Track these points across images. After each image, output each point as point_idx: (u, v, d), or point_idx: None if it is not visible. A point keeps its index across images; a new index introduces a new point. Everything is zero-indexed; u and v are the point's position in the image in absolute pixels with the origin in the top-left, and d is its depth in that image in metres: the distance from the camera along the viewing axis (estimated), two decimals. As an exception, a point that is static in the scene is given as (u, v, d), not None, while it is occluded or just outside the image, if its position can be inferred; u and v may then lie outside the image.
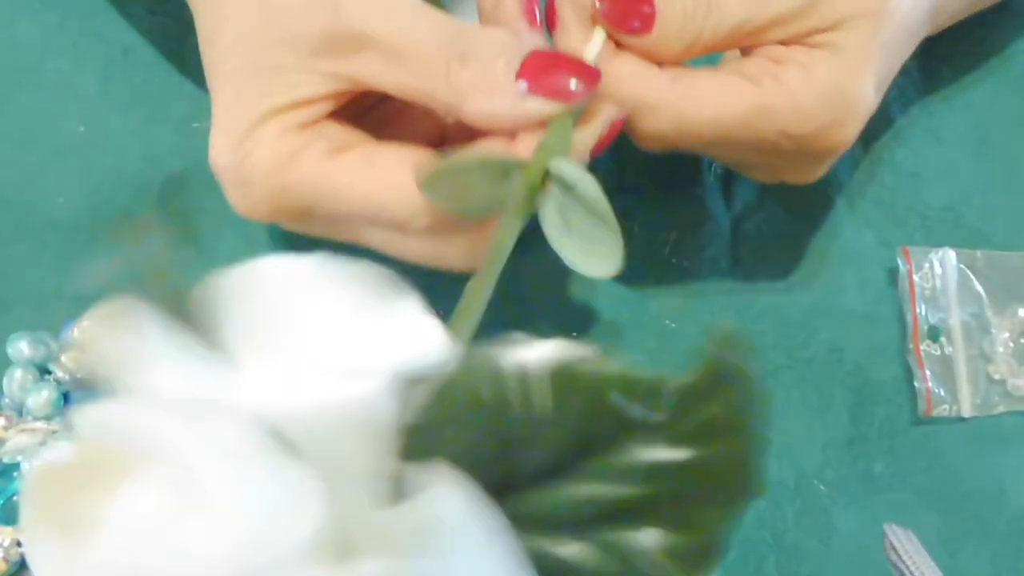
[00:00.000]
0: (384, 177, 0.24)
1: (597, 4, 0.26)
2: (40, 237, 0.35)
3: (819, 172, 0.31)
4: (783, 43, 0.27)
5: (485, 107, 0.24)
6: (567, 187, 0.24)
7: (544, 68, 0.24)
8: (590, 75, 0.24)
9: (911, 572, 0.24)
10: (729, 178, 0.36)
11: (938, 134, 0.37)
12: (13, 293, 0.35)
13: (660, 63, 0.27)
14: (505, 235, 0.24)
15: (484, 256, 0.25)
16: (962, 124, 0.37)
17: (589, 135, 0.25)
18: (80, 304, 0.34)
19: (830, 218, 0.35)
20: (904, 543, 0.24)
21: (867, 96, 0.28)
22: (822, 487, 0.32)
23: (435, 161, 0.24)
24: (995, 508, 0.32)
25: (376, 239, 0.27)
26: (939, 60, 0.38)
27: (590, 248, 0.25)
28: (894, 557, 0.24)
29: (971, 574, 0.31)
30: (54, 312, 0.34)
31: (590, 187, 0.23)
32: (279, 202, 0.25)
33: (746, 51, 0.29)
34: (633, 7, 0.26)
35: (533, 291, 0.34)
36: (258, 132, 0.24)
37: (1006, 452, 0.33)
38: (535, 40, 0.25)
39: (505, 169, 0.23)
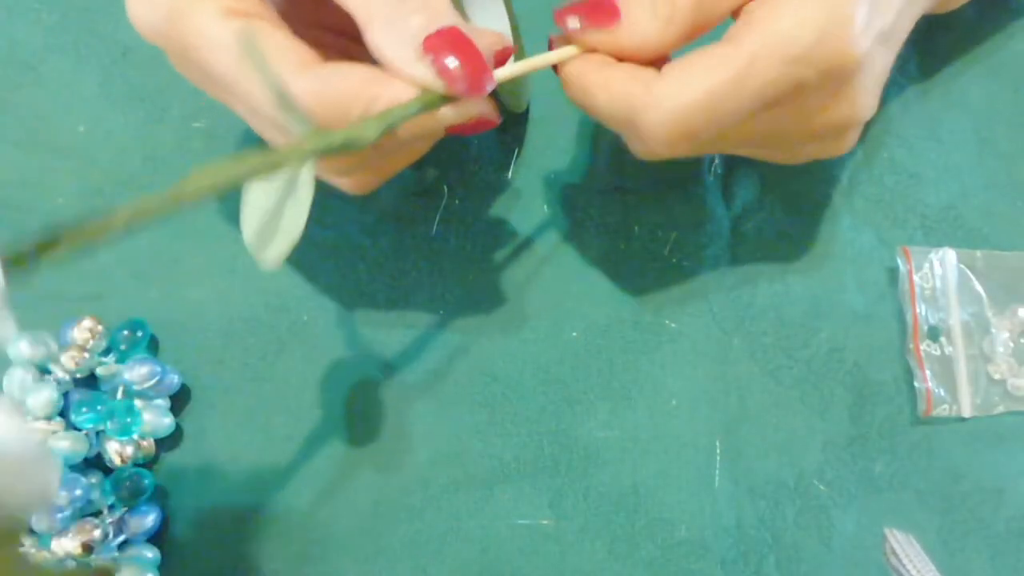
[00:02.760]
0: (264, 53, 0.24)
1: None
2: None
3: (850, 135, 0.29)
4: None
5: (381, 43, 0.24)
6: (292, 180, 0.23)
7: (447, 46, 0.24)
8: (480, 73, 0.24)
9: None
10: (729, 178, 0.36)
11: (938, 134, 0.37)
12: (13, 293, 0.34)
13: (653, 56, 0.26)
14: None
15: (331, 170, 0.26)
16: (962, 124, 0.37)
17: (456, 117, 0.25)
18: (80, 304, 0.34)
19: (830, 218, 0.35)
20: (904, 546, 0.24)
21: (853, 49, 0.25)
22: (822, 487, 0.32)
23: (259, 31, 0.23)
24: (995, 508, 0.32)
25: (240, 111, 0.27)
26: (939, 60, 0.38)
27: (266, 232, 0.24)
28: (895, 561, 0.24)
29: (971, 574, 0.31)
30: (54, 312, 0.34)
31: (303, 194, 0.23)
32: (164, 29, 0.25)
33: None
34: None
35: (532, 291, 0.34)
36: None
37: (1006, 452, 0.33)
38: (459, 21, 0.25)
39: (269, 166, 0.23)
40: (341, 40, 0.28)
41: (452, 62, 0.24)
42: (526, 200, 0.36)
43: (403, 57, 0.24)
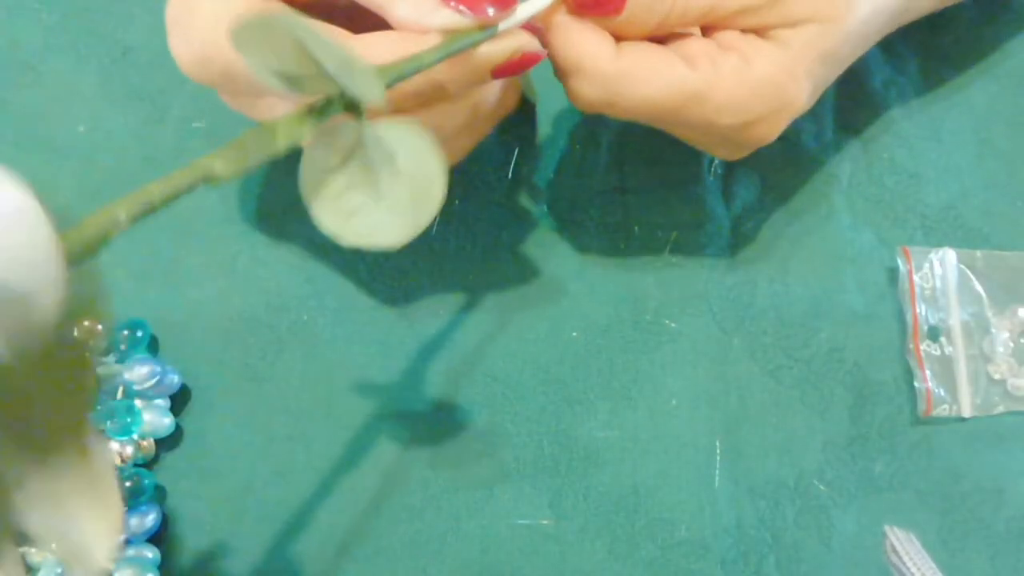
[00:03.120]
0: None
1: None
2: (40, 237, 0.35)
3: (743, 155, 0.32)
4: (742, 31, 0.28)
5: (404, 13, 0.24)
6: (378, 142, 0.22)
7: None
8: (503, 1, 0.24)
9: (912, 574, 0.24)
10: (729, 178, 0.36)
11: (938, 134, 0.37)
12: (13, 293, 0.34)
13: (619, 38, 0.28)
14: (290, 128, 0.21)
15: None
16: (962, 124, 0.37)
17: (496, 52, 0.25)
18: (80, 304, 0.34)
19: (830, 218, 0.36)
20: (905, 545, 0.24)
21: (799, 97, 0.29)
22: (822, 487, 0.32)
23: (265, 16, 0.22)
24: (995, 508, 0.32)
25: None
26: (939, 60, 0.38)
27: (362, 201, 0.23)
28: (895, 559, 0.24)
29: (971, 574, 0.31)
30: (54, 312, 0.34)
31: (411, 149, 0.22)
32: (207, 55, 0.26)
33: (706, 30, 0.29)
34: None
35: (532, 291, 0.34)
36: None
37: (1006, 452, 0.33)
38: None
39: (321, 81, 0.21)
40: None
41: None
42: (526, 200, 0.36)
43: (425, 9, 0.24)
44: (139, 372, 0.32)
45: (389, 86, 0.22)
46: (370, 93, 0.21)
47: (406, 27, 0.25)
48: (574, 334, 0.34)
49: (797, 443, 0.33)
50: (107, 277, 0.35)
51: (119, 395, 0.32)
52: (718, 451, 0.33)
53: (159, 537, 0.32)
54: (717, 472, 0.32)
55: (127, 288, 0.34)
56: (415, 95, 0.26)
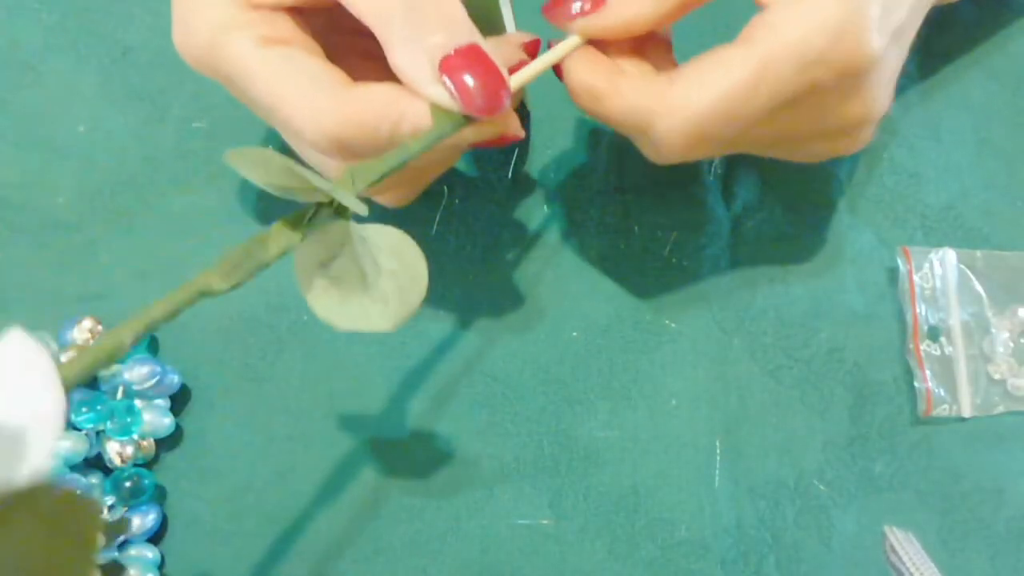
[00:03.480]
0: (296, 82, 0.25)
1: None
2: (40, 237, 0.35)
3: (864, 133, 0.29)
4: None
5: (401, 64, 0.24)
6: (364, 243, 0.24)
7: (463, 66, 0.24)
8: (497, 90, 0.24)
9: (911, 574, 0.24)
10: (729, 178, 0.36)
11: (938, 134, 0.37)
12: (13, 293, 0.35)
13: (649, 37, 0.27)
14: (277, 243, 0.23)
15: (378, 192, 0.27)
16: (962, 123, 0.37)
17: (477, 135, 0.25)
18: (80, 304, 0.34)
19: (830, 218, 0.36)
20: (904, 545, 0.24)
21: (875, 44, 0.25)
22: (822, 487, 0.32)
23: (251, 152, 0.23)
24: (995, 508, 0.32)
25: (283, 134, 0.27)
26: (939, 60, 0.38)
27: (345, 295, 0.24)
28: (894, 559, 0.24)
29: (971, 574, 0.31)
30: (54, 312, 0.34)
31: (387, 242, 0.23)
32: (205, 58, 0.26)
33: None
34: None
35: (532, 291, 0.34)
36: None
37: (1006, 452, 0.33)
38: (477, 37, 0.25)
39: (311, 191, 0.23)
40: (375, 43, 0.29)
41: (469, 81, 0.24)
42: (526, 200, 0.36)
43: (422, 77, 0.24)
44: (139, 372, 0.32)
45: (378, 181, 0.23)
46: (354, 206, 0.22)
47: (402, 78, 0.24)
48: (574, 334, 0.34)
49: (797, 443, 0.33)
50: (107, 277, 0.35)
51: (119, 395, 0.32)
52: (718, 451, 0.33)
53: (159, 537, 0.32)
54: (717, 472, 0.32)
55: (127, 288, 0.34)
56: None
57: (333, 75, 0.25)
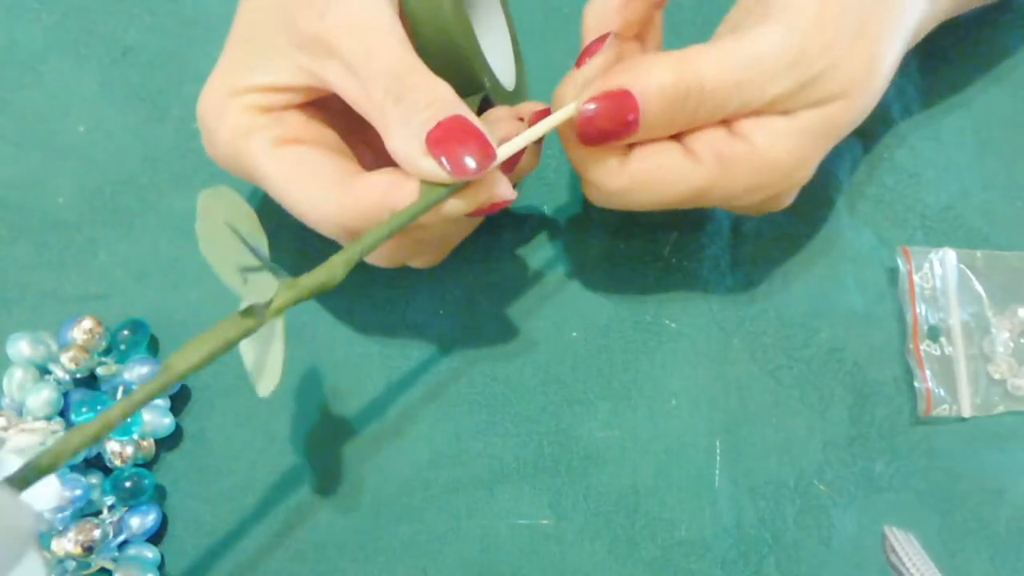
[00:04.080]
0: (304, 181, 0.27)
1: (577, 121, 0.27)
2: (40, 237, 0.35)
3: (788, 200, 0.32)
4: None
5: (395, 147, 0.26)
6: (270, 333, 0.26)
7: (448, 136, 0.25)
8: (483, 157, 0.25)
9: (911, 574, 0.24)
10: (729, 178, 0.36)
11: (938, 134, 0.37)
12: (13, 293, 0.35)
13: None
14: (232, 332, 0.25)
15: (398, 261, 0.29)
16: (962, 124, 0.37)
17: (468, 204, 0.26)
18: (80, 304, 0.34)
19: (830, 218, 0.36)
20: (904, 545, 0.24)
21: (808, 174, 0.29)
22: (822, 487, 0.32)
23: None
24: (995, 508, 0.32)
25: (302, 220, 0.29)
26: (939, 60, 0.38)
27: (259, 367, 0.27)
28: (894, 559, 0.24)
29: (971, 574, 0.31)
30: (54, 312, 0.34)
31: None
32: (231, 163, 0.29)
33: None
34: (615, 123, 0.27)
35: (532, 291, 0.34)
36: (233, 101, 0.28)
37: (1006, 452, 0.33)
38: (463, 108, 0.26)
39: (254, 262, 0.25)
40: None
41: (455, 150, 0.25)
42: (526, 200, 0.36)
43: (413, 155, 0.25)
44: (139, 372, 0.32)
45: (370, 250, 0.25)
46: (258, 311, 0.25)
47: (397, 160, 0.26)
48: (574, 334, 0.34)
49: (797, 443, 0.33)
50: (107, 277, 0.35)
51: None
52: (718, 451, 0.33)
53: (159, 537, 0.32)
54: (717, 472, 0.32)
55: (127, 288, 0.34)
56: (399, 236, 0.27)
57: (339, 167, 0.27)
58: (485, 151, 0.25)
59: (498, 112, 0.31)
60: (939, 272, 0.34)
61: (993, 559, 0.32)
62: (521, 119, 0.30)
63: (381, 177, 0.26)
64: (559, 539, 0.32)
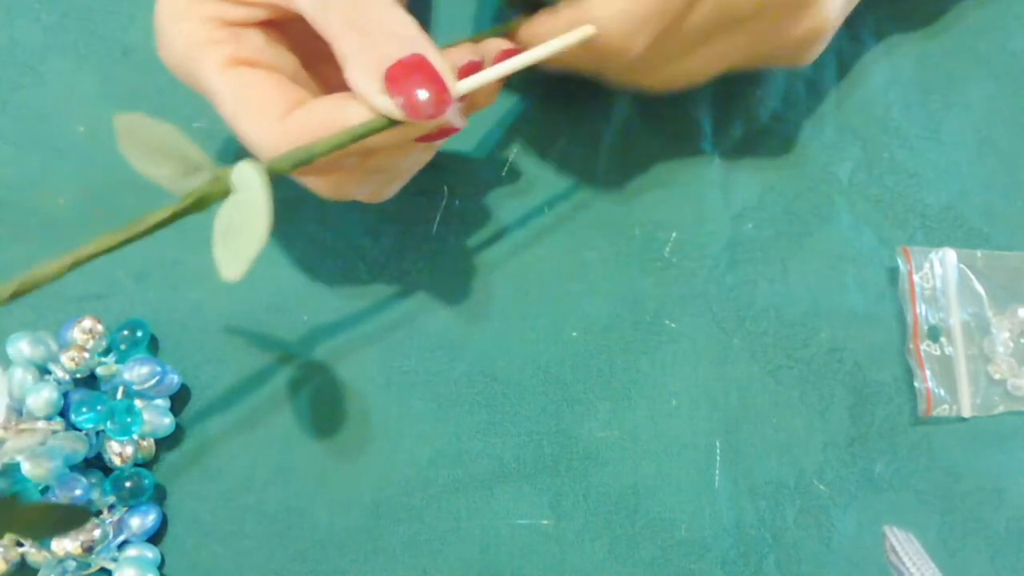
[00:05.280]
0: (251, 104, 0.27)
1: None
2: (40, 237, 0.35)
3: (815, 48, 0.30)
4: None
5: (352, 78, 0.25)
6: (237, 188, 0.25)
7: (406, 75, 0.25)
8: (439, 101, 0.25)
9: (911, 574, 0.24)
10: (729, 178, 0.36)
11: (938, 134, 0.37)
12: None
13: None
14: (161, 218, 0.25)
15: (343, 192, 0.28)
16: (962, 124, 0.37)
17: (415, 132, 0.26)
18: (80, 304, 0.34)
19: (830, 218, 0.36)
20: (904, 544, 0.24)
21: None
22: (822, 487, 0.32)
23: (136, 119, 0.25)
24: (995, 508, 0.32)
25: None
26: (939, 60, 0.38)
27: (230, 244, 0.25)
28: (894, 558, 0.24)
29: (971, 574, 0.31)
30: (54, 312, 0.34)
31: (254, 193, 0.24)
32: (181, 72, 0.28)
33: None
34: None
35: (532, 291, 0.34)
36: (193, 8, 0.27)
37: (1006, 452, 0.33)
38: (423, 46, 0.25)
39: (194, 165, 0.24)
40: None
41: (412, 90, 0.25)
42: (526, 200, 0.36)
43: (369, 90, 0.25)
44: (139, 372, 0.32)
45: (311, 160, 0.25)
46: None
47: (354, 91, 0.25)
48: (574, 334, 0.34)
49: (797, 443, 0.33)
50: (107, 277, 0.35)
51: (119, 395, 0.32)
52: (718, 451, 0.33)
53: (159, 537, 0.32)
54: (717, 472, 0.32)
55: (127, 288, 0.34)
56: (345, 154, 0.26)
57: (287, 97, 0.27)
58: (441, 95, 0.25)
59: (461, 49, 0.29)
60: (939, 272, 0.34)
61: (993, 559, 0.32)
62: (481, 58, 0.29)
63: (327, 102, 0.26)
64: (559, 539, 0.32)
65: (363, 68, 0.25)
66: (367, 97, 0.25)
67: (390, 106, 0.25)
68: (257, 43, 0.28)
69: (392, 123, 0.25)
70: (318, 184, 0.29)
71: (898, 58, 0.38)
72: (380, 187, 0.30)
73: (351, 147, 0.25)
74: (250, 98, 0.27)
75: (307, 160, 0.25)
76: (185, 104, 0.37)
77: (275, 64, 0.28)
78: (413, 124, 0.25)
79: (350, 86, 0.26)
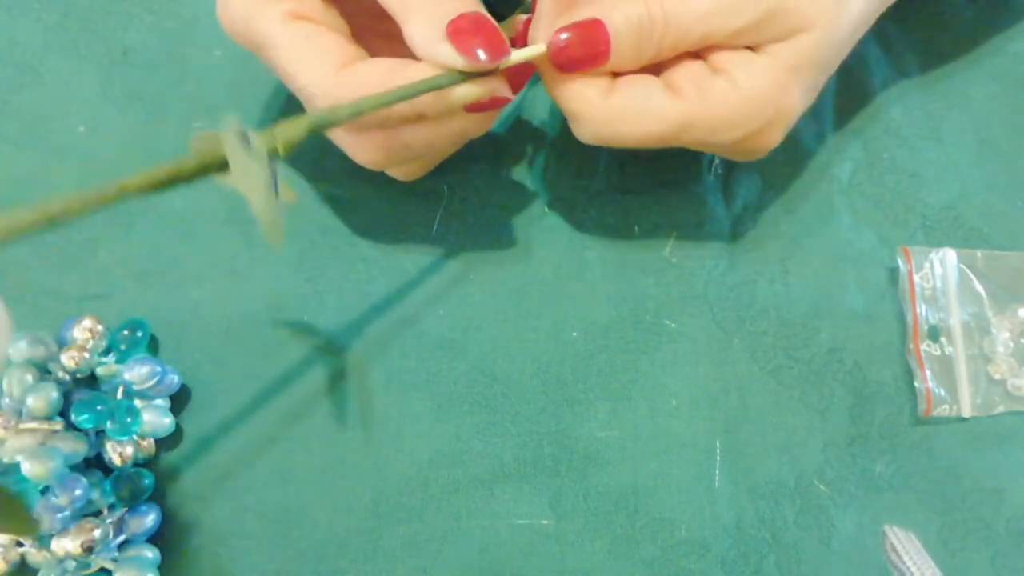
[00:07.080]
0: (310, 56, 0.28)
1: (552, 46, 0.28)
2: (40, 237, 0.35)
3: (753, 159, 0.32)
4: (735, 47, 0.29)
5: (413, 32, 0.27)
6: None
7: (468, 28, 0.26)
8: (497, 51, 0.26)
9: (911, 573, 0.24)
10: (729, 178, 0.36)
11: (938, 134, 0.37)
12: (13, 293, 0.35)
13: (615, 74, 0.29)
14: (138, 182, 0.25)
15: (384, 159, 0.29)
16: (962, 124, 0.37)
17: (471, 93, 0.27)
18: (80, 304, 0.34)
19: (830, 218, 0.36)
20: (904, 543, 0.24)
21: (792, 105, 0.29)
22: (822, 487, 0.32)
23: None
24: (995, 508, 0.32)
25: (299, 97, 0.29)
26: (939, 60, 0.38)
27: (258, 212, 0.25)
28: (894, 558, 0.24)
29: (971, 574, 0.31)
30: (54, 312, 0.34)
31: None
32: (240, 29, 0.29)
33: (699, 51, 0.30)
34: (587, 50, 0.28)
35: (532, 291, 0.34)
36: None
37: (1006, 452, 0.33)
38: (482, 9, 0.27)
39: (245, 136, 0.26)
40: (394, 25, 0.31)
41: (473, 40, 0.26)
42: (526, 200, 0.36)
43: (430, 38, 0.26)
44: (139, 372, 0.32)
45: (371, 110, 0.26)
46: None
47: (413, 46, 0.27)
48: (574, 334, 0.34)
49: (797, 443, 0.33)
50: (107, 277, 0.35)
51: (119, 395, 0.32)
52: (718, 451, 0.33)
53: (159, 537, 0.32)
54: (717, 472, 0.32)
55: (127, 288, 0.34)
56: (398, 117, 0.28)
57: (346, 51, 0.28)
58: (500, 47, 0.26)
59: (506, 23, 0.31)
60: (939, 272, 0.34)
61: (993, 559, 0.32)
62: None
63: (388, 60, 0.27)
64: (559, 539, 0.32)
65: (428, 18, 0.26)
66: (429, 46, 0.26)
67: (451, 54, 0.26)
68: (316, 4, 0.29)
69: (448, 82, 0.26)
70: (358, 147, 0.30)
71: (898, 58, 0.38)
72: (415, 166, 0.32)
73: (403, 109, 0.27)
74: (309, 48, 0.28)
75: (361, 112, 0.26)
76: (185, 105, 0.37)
77: (332, 24, 0.29)
78: (473, 84, 0.27)
79: (410, 40, 0.27)
